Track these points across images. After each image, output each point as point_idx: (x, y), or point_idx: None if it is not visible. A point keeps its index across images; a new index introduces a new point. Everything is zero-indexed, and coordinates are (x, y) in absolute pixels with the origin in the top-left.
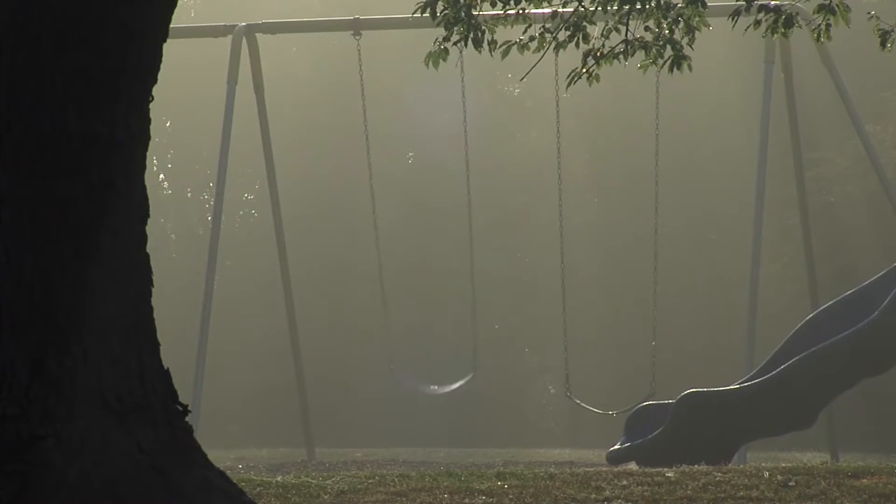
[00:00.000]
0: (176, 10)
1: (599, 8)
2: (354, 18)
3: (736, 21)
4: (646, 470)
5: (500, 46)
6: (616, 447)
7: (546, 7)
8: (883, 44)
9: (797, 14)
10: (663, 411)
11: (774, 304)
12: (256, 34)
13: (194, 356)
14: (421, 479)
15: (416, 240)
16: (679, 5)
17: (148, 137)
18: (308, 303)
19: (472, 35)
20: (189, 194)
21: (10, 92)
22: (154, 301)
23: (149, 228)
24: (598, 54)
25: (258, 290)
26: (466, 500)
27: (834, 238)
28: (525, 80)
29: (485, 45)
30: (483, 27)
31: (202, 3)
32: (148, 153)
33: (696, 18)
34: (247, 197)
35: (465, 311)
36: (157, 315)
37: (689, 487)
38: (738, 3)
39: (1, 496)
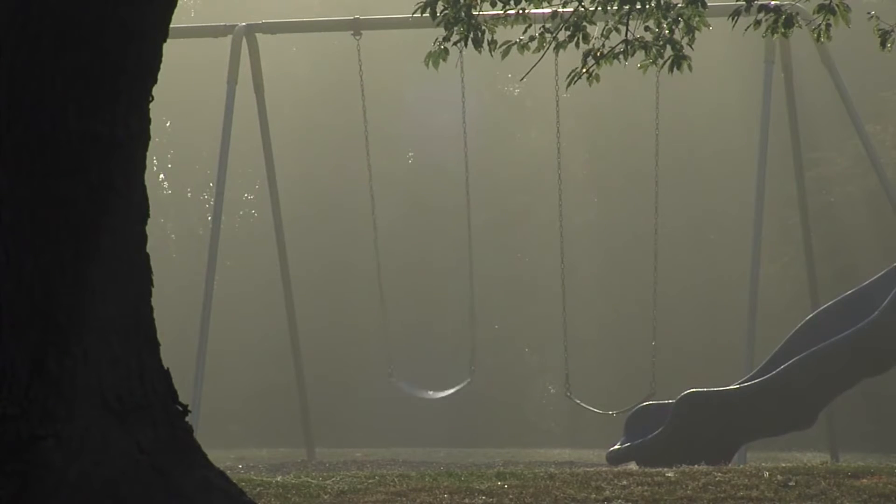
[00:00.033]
0: (176, 10)
1: (599, 8)
2: (354, 18)
3: (736, 21)
4: (646, 470)
5: (500, 46)
6: (616, 447)
7: (546, 7)
8: (883, 44)
9: (797, 14)
10: (663, 411)
11: (774, 304)
12: (256, 34)
13: (194, 356)
14: (421, 479)
15: (416, 240)
16: (679, 5)
17: (148, 137)
18: (308, 303)
19: (472, 35)
20: (189, 194)
21: (10, 92)
22: (154, 301)
23: (149, 228)
24: (598, 54)
25: (258, 290)
26: (466, 500)
27: (834, 238)
28: (525, 80)
29: (485, 45)
30: (483, 27)
31: (202, 3)
32: (148, 153)
33: (696, 18)
34: (247, 197)
35: (465, 311)
36: (157, 315)
37: (689, 487)
38: (738, 3)
39: (1, 496)
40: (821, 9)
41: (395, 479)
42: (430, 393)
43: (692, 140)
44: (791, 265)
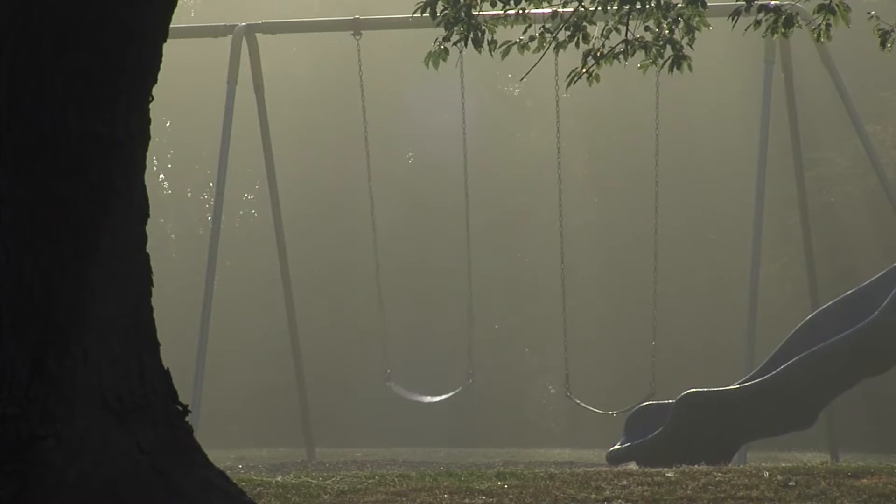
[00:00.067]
0: (176, 10)
1: (599, 8)
2: (354, 18)
3: (736, 21)
4: (646, 470)
5: (500, 46)
6: (616, 447)
7: (546, 7)
8: (883, 44)
9: (797, 14)
10: (663, 411)
11: (774, 304)
12: (256, 34)
13: (194, 356)
14: (421, 479)
15: (415, 240)
16: (679, 5)
17: (148, 137)
18: (308, 303)
19: (472, 35)
20: (189, 194)
21: (10, 92)
22: (154, 301)
23: (149, 228)
24: (598, 54)
25: (258, 290)
26: (466, 500)
27: (834, 238)
28: (525, 80)
29: (485, 45)
30: (483, 27)
31: (202, 3)
32: (148, 153)
33: (696, 18)
34: (247, 197)
35: (465, 311)
36: (157, 315)
37: (689, 487)
38: (738, 3)
39: (1, 496)
40: (821, 9)
41: (395, 479)
42: (427, 398)
43: (692, 140)
44: (791, 265)
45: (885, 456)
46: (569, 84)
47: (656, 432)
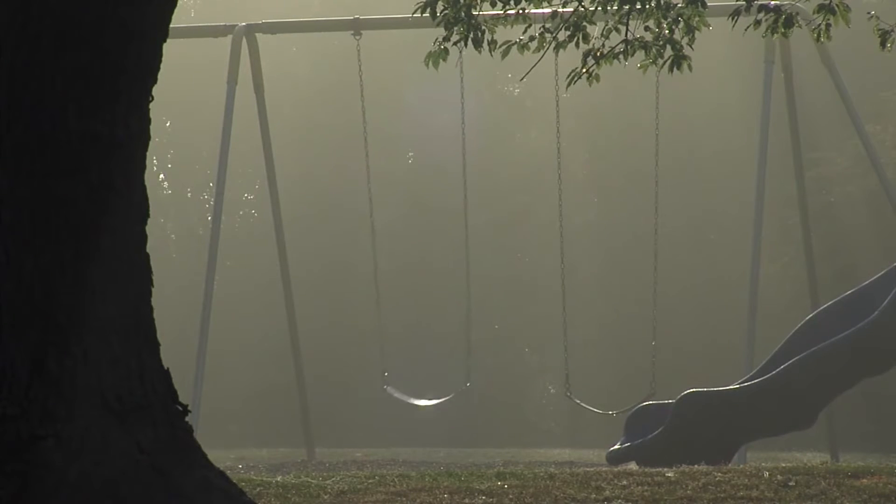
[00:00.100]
0: (176, 10)
1: (599, 8)
2: (354, 18)
3: (736, 21)
4: (646, 470)
5: (500, 46)
6: (616, 447)
7: (546, 7)
8: (883, 44)
9: (797, 14)
10: (663, 411)
11: (774, 304)
12: (256, 34)
13: (194, 356)
14: (421, 479)
15: (415, 240)
16: (679, 5)
17: (148, 137)
18: (308, 303)
19: (472, 35)
20: (189, 194)
21: (10, 92)
22: (154, 301)
23: (149, 228)
24: (598, 54)
25: (258, 290)
26: (466, 500)
27: (834, 238)
28: (525, 80)
29: (485, 45)
30: (483, 27)
31: (202, 3)
32: (148, 153)
33: (696, 18)
34: (247, 197)
35: (464, 312)
36: (157, 315)
37: (689, 487)
38: (738, 3)
39: (1, 496)
40: (821, 9)
41: (395, 479)
42: (424, 402)
43: (692, 140)
44: (791, 265)
45: (885, 456)
46: (569, 84)
47: (656, 432)
